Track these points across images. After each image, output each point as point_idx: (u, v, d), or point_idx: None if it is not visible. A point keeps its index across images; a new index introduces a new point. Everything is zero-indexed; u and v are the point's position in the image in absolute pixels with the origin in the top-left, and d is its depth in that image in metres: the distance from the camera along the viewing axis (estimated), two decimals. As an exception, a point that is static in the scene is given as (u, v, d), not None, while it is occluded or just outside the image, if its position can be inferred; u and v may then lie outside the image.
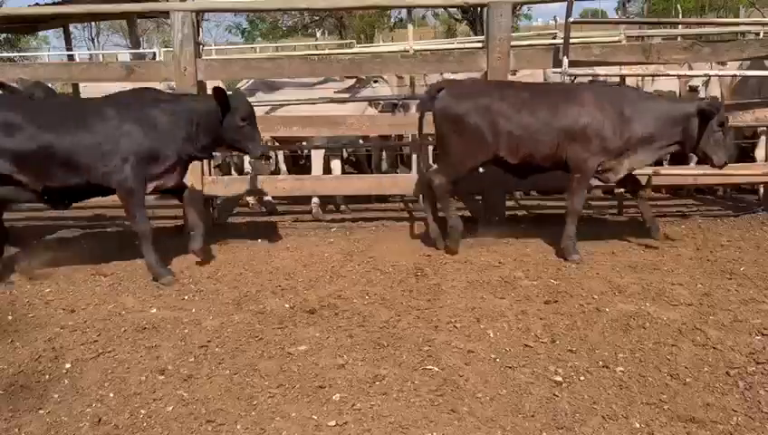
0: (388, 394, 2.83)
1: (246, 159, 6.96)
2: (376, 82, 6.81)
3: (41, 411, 2.77)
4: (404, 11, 12.18)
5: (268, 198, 6.43)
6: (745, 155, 6.60)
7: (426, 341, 3.31)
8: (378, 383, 2.92)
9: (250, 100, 4.64)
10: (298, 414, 2.70)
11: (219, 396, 2.86)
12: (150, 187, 4.30)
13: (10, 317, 3.73)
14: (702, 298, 3.77)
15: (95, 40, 39.46)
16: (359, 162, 8.50)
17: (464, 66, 5.63)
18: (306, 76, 6.16)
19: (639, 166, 4.75)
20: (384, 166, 8.06)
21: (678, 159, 6.88)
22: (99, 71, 6.05)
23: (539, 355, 3.15)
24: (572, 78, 5.48)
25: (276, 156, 7.36)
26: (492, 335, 3.36)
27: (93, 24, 34.61)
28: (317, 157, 6.68)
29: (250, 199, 6.74)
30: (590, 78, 5.74)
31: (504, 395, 2.81)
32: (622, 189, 5.69)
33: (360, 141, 7.37)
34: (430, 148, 6.79)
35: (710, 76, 6.39)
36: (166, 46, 15.86)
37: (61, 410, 2.77)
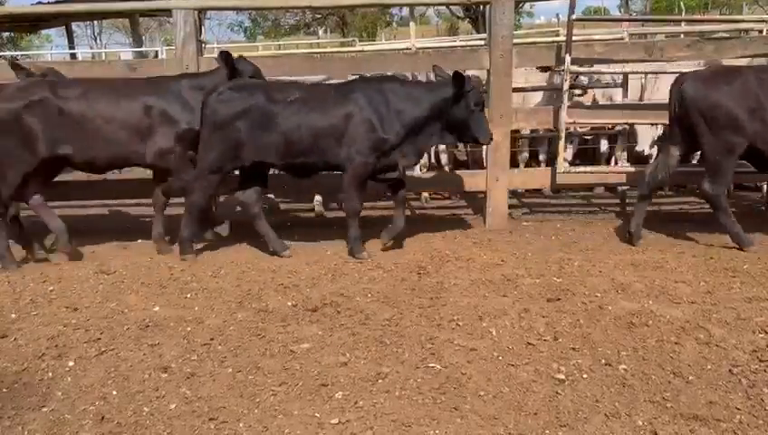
0: (390, 392, 2.83)
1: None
2: None
3: (44, 409, 2.78)
4: (406, 9, 12.15)
5: (270, 195, 6.44)
6: None
7: (428, 339, 3.31)
8: (380, 381, 2.92)
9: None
10: (301, 412, 2.70)
11: (222, 394, 2.86)
12: None
13: (14, 315, 3.74)
14: (705, 296, 3.76)
15: (98, 38, 39.54)
16: None
17: (466, 64, 5.62)
18: (308, 74, 6.15)
19: None
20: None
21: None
22: (101, 69, 6.06)
23: (541, 353, 3.15)
24: (575, 76, 5.48)
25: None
26: (494, 333, 3.36)
27: (96, 22, 34.66)
28: None
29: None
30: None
31: (507, 393, 2.81)
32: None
33: None
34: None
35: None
36: (168, 45, 15.87)
37: (64, 408, 2.78)
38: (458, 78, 4.51)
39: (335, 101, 4.61)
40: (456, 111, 4.60)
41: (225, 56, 4.92)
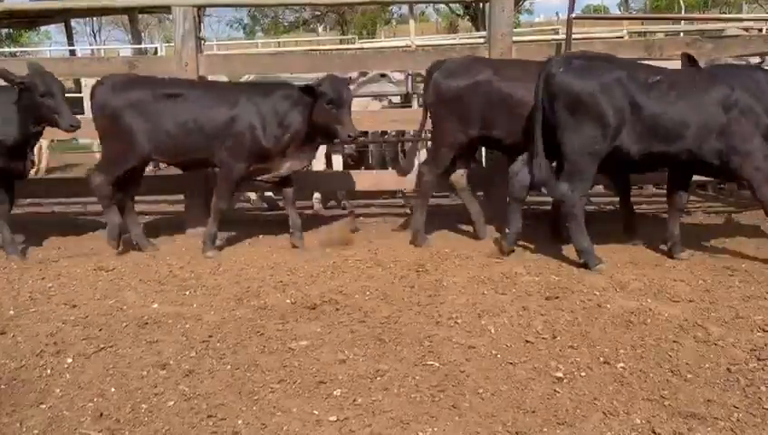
0: (389, 389, 2.83)
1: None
2: (383, 76, 6.77)
3: (42, 406, 2.78)
4: (405, 6, 12.13)
5: (269, 193, 6.43)
6: None
7: (427, 336, 3.31)
8: (379, 379, 2.92)
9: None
10: (299, 409, 2.70)
11: (220, 391, 2.86)
12: None
13: (12, 312, 3.73)
14: (703, 294, 3.76)
15: (97, 35, 39.50)
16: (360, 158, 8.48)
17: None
18: (307, 71, 6.16)
19: None
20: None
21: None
22: (100, 66, 6.07)
23: (540, 351, 3.15)
24: None
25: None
26: (493, 331, 3.36)
27: (95, 19, 34.63)
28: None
29: (251, 195, 6.74)
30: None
31: (505, 391, 2.81)
32: None
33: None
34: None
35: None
36: (167, 42, 15.85)
37: (62, 405, 2.78)
38: None
39: (703, 87, 4.21)
40: None
41: (689, 58, 4.74)
